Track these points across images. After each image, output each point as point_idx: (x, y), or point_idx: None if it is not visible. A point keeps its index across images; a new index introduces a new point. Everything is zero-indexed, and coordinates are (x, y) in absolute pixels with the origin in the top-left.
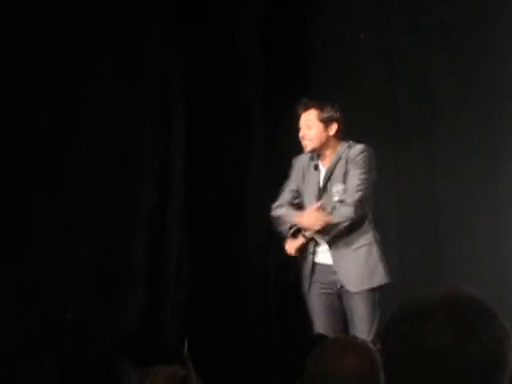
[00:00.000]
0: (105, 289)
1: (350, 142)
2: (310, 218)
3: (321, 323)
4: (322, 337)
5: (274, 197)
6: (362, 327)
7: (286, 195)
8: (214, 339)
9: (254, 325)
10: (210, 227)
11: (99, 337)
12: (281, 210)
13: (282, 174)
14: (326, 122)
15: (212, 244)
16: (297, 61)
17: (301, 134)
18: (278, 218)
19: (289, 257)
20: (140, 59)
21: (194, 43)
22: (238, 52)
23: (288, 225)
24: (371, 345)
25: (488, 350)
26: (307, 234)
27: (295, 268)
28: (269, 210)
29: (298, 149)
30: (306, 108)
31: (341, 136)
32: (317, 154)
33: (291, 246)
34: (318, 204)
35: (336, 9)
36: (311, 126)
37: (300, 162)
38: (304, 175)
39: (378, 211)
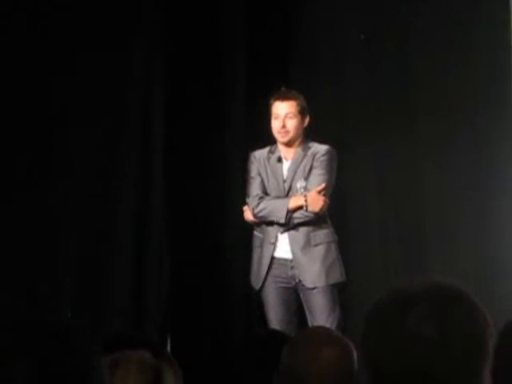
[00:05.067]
0: (88, 291)
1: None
2: (316, 199)
3: (276, 317)
4: (274, 332)
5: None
6: (323, 321)
7: (257, 188)
8: (197, 340)
9: (237, 324)
10: (191, 229)
11: (77, 336)
12: (266, 201)
13: None
14: (303, 114)
15: (194, 245)
16: (278, 60)
17: (279, 123)
18: (265, 209)
19: None
20: (120, 64)
21: (175, 37)
22: (220, 49)
23: (284, 211)
24: (345, 337)
25: (471, 339)
26: (304, 215)
27: None
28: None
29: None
30: (287, 98)
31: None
32: (281, 146)
33: (247, 214)
34: (322, 186)
35: (320, 4)
36: (292, 117)
37: (259, 155)
38: (266, 167)
39: (362, 214)
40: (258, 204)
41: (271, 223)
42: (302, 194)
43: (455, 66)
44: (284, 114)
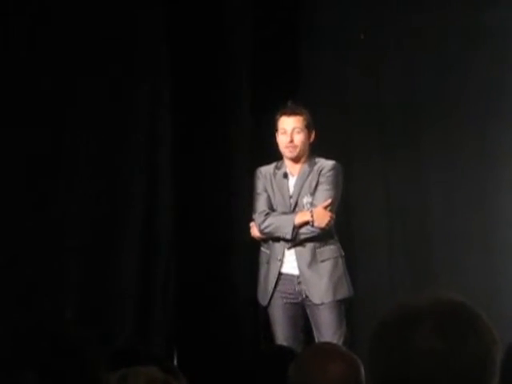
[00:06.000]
0: (94, 303)
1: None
2: (323, 215)
3: (283, 333)
4: (281, 348)
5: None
6: (330, 337)
7: (263, 204)
8: (203, 353)
9: (244, 338)
10: (198, 242)
11: (84, 348)
12: (272, 217)
13: None
14: (309, 129)
15: (200, 259)
16: (283, 73)
17: (286, 138)
18: (271, 225)
19: None
20: (128, 70)
21: (181, 48)
22: (226, 61)
23: (291, 227)
24: (352, 352)
25: (476, 354)
26: (310, 230)
27: None
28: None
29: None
30: (294, 113)
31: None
32: (287, 162)
33: (254, 230)
34: (329, 201)
35: (326, 7)
36: (299, 131)
37: (265, 171)
38: (272, 183)
39: (368, 229)
40: (264, 220)
41: (277, 239)
42: (308, 209)
43: (461, 77)
44: (291, 129)
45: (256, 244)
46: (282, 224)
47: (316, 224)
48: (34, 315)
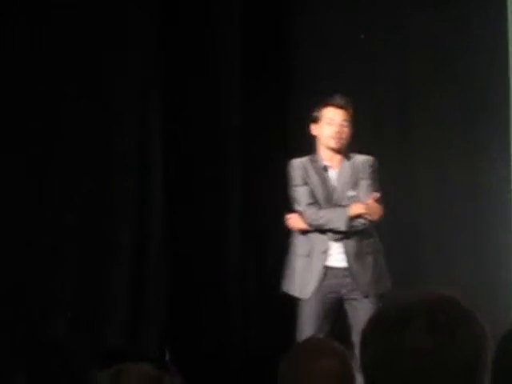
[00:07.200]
0: (88, 306)
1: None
2: (376, 208)
3: (313, 326)
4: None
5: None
6: None
7: (308, 196)
8: (196, 352)
9: (237, 333)
10: (191, 247)
11: (76, 350)
12: (324, 209)
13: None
14: (352, 124)
15: (193, 261)
16: (276, 73)
17: (334, 128)
18: (323, 217)
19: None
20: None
21: (171, 46)
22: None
23: (344, 219)
24: (344, 348)
25: (468, 351)
26: (361, 223)
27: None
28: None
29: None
30: (344, 106)
31: None
32: (325, 155)
33: (298, 222)
34: (378, 195)
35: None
36: (347, 125)
37: (301, 164)
38: (311, 176)
39: None
40: (316, 212)
41: (322, 231)
42: (354, 202)
43: (451, 73)
44: (340, 121)
45: (248, 242)
46: (335, 216)
47: (370, 217)
48: (25, 318)
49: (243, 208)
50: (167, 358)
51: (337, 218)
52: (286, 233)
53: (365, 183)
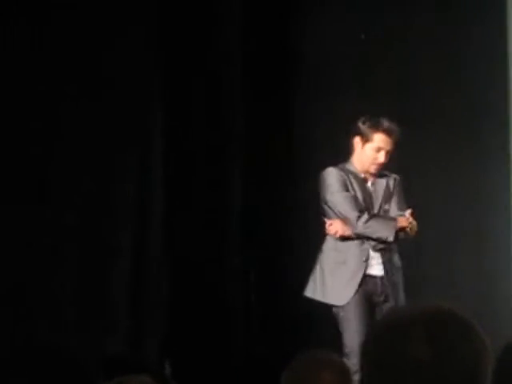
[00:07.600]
0: (86, 313)
1: None
2: (415, 223)
3: (359, 329)
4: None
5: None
6: None
7: (355, 204)
8: (196, 360)
9: (237, 343)
10: (190, 250)
11: (76, 359)
12: (375, 219)
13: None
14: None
15: (192, 268)
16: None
17: (381, 157)
18: (373, 226)
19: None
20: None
21: (173, 50)
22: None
23: (393, 230)
24: (346, 361)
25: (468, 363)
26: (401, 236)
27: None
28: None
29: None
30: (394, 134)
31: None
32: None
33: (342, 228)
34: (410, 211)
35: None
36: (390, 152)
37: (340, 171)
38: (352, 184)
39: None
40: (367, 220)
41: (363, 240)
42: (388, 216)
43: (452, 74)
44: (387, 150)
45: (249, 248)
46: (384, 227)
47: (409, 231)
48: (25, 318)
49: (243, 208)
50: (167, 370)
51: (387, 229)
52: (287, 234)
53: (395, 200)
